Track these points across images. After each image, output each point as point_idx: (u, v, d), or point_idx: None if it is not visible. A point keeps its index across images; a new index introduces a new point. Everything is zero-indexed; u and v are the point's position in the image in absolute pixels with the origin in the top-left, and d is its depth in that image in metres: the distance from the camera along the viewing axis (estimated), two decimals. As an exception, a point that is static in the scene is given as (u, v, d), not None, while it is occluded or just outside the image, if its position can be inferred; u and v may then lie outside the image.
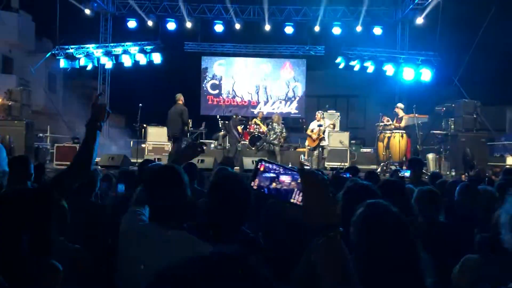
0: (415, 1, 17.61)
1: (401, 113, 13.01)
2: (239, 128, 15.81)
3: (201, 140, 17.39)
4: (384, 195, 2.66)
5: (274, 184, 1.44)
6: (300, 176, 1.39)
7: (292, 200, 1.41)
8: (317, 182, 1.36)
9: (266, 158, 1.48)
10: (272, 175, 1.44)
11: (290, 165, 1.48)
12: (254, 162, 1.48)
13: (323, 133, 13.45)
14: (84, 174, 2.48)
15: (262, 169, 1.45)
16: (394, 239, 1.86)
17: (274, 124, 14.71)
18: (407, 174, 5.34)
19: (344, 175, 5.57)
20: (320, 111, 14.10)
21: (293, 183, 1.42)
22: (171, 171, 2.41)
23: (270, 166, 1.45)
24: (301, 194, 1.39)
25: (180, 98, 12.96)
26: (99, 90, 19.80)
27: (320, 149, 13.54)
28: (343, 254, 1.32)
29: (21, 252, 1.78)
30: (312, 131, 13.64)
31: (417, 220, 3.44)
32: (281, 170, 1.44)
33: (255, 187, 1.44)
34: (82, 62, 18.17)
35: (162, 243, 2.21)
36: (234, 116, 16.08)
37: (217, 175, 2.67)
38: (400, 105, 13.44)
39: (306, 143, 14.28)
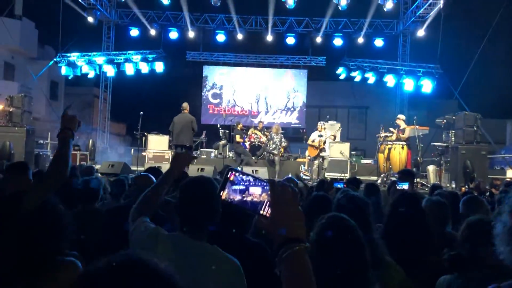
0: (417, 14, 17.68)
1: (402, 124, 13.00)
2: (237, 137, 15.81)
3: (200, 149, 17.40)
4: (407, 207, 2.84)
5: (243, 196, 1.40)
6: (270, 187, 1.36)
7: (261, 212, 1.36)
8: (287, 194, 1.34)
9: (236, 167, 1.43)
10: (241, 187, 1.40)
11: (274, 179, 1.43)
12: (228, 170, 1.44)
13: (324, 143, 13.44)
14: (60, 181, 2.51)
15: (231, 178, 1.41)
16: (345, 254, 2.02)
17: (273, 134, 14.70)
18: (406, 186, 5.31)
19: (339, 185, 5.60)
20: (322, 122, 14.10)
21: (264, 194, 1.38)
22: (211, 184, 2.43)
23: (240, 176, 1.40)
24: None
25: (187, 107, 13.05)
26: (101, 97, 19.84)
27: (321, 159, 13.53)
28: (307, 267, 1.31)
29: None
30: (313, 141, 13.63)
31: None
32: (252, 181, 1.41)
33: (223, 197, 1.40)
34: (84, 69, 18.23)
35: (198, 255, 2.24)
36: (236, 125, 16.12)
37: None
38: (401, 116, 13.43)
39: (307, 153, 14.26)
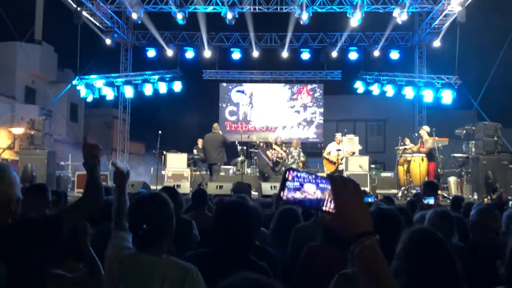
0: (432, 25, 17.62)
1: (425, 136, 12.90)
2: (269, 153, 15.81)
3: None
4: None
5: (299, 193, 1.39)
6: (331, 181, 1.33)
7: (324, 208, 1.34)
8: (349, 187, 1.31)
9: (294, 167, 1.44)
10: (296, 184, 1.39)
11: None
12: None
13: (342, 159, 13.32)
14: (95, 206, 2.63)
15: (289, 178, 1.39)
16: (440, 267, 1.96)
17: (292, 148, 14.70)
18: (432, 201, 5.24)
19: (369, 199, 5.51)
20: (339, 134, 13.99)
21: (318, 191, 1.36)
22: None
23: (298, 174, 1.38)
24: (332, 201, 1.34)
25: (217, 128, 13.82)
26: (120, 118, 20.07)
27: (338, 173, 13.42)
28: (381, 261, 1.27)
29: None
30: (329, 153, 13.54)
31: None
32: (309, 178, 1.40)
33: (284, 198, 1.40)
34: (104, 91, 18.46)
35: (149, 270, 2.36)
36: (262, 144, 16.20)
37: (219, 205, 2.73)
38: (426, 127, 13.28)
39: (325, 168, 14.20)
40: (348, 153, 13.54)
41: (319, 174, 1.41)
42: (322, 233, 3.40)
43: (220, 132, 14.17)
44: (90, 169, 2.67)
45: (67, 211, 2.56)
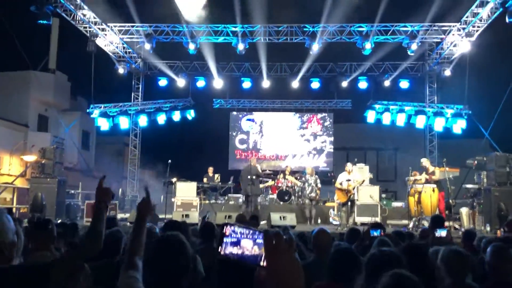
0: (442, 55, 17.67)
1: (430, 167, 12.79)
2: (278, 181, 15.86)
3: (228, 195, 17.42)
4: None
5: (236, 249, 1.39)
6: (264, 238, 1.33)
7: (261, 263, 1.34)
8: (281, 244, 1.31)
9: (233, 222, 1.43)
10: (233, 239, 1.39)
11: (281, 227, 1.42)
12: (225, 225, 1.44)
13: (353, 189, 13.19)
14: (92, 253, 2.59)
15: (227, 233, 1.41)
16: None
17: (308, 176, 14.63)
18: (444, 233, 5.13)
19: (375, 232, 5.38)
20: (349, 164, 13.87)
21: (255, 247, 1.36)
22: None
23: (235, 229, 1.39)
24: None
25: (252, 160, 14.60)
26: (131, 145, 20.19)
27: (349, 203, 13.29)
28: None
29: None
30: (341, 184, 13.42)
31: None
32: (245, 233, 1.40)
33: (222, 253, 1.39)
34: (119, 120, 18.63)
35: None
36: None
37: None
38: (424, 160, 13.24)
39: (336, 197, 14.07)
40: (358, 183, 13.38)
41: (256, 230, 1.40)
42: (328, 272, 3.33)
43: (255, 164, 14.47)
44: (95, 214, 2.64)
45: (64, 257, 2.54)
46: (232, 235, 1.39)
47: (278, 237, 1.32)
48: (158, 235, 5.05)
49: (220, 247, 1.38)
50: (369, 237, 5.21)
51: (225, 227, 1.40)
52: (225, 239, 1.39)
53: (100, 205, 2.65)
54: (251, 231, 1.39)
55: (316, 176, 14.73)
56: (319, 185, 14.72)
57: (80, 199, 15.97)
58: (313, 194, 14.40)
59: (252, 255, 1.36)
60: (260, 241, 1.36)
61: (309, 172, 14.80)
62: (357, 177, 13.44)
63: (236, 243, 1.38)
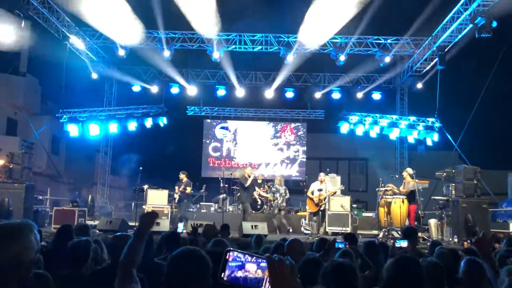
0: (413, 68, 18.02)
1: (408, 178, 12.95)
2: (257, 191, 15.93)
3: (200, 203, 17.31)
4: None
5: (240, 273, 1.43)
6: (267, 263, 1.39)
7: (264, 287, 1.40)
8: (285, 268, 1.37)
9: (232, 248, 1.47)
10: (238, 263, 1.44)
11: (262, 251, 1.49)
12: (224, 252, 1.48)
13: (324, 199, 13.29)
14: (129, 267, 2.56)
15: (230, 259, 1.45)
16: None
17: (277, 185, 14.69)
18: (404, 244, 5.18)
19: (340, 244, 5.41)
20: (322, 173, 13.97)
21: (259, 271, 1.42)
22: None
23: (238, 255, 1.46)
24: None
25: (247, 169, 15.23)
26: (101, 151, 19.89)
27: (320, 213, 13.38)
28: None
29: None
30: (312, 193, 13.49)
31: None
32: (248, 258, 1.44)
33: (225, 278, 1.43)
34: (89, 126, 18.20)
35: None
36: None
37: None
38: (409, 170, 13.30)
39: (307, 207, 14.14)
40: (330, 193, 13.51)
41: (256, 255, 1.46)
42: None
43: (245, 173, 14.79)
44: (137, 234, 2.64)
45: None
46: (237, 259, 1.46)
47: (281, 263, 1.39)
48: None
49: (222, 273, 1.44)
50: (333, 248, 5.26)
51: (228, 253, 1.47)
52: (229, 264, 1.45)
53: (141, 228, 2.67)
54: (254, 257, 1.47)
55: (285, 187, 14.81)
56: (287, 196, 14.83)
57: (48, 205, 15.63)
58: (284, 204, 14.48)
59: (255, 278, 1.43)
60: (264, 264, 1.43)
61: (278, 182, 14.87)
62: (329, 187, 13.56)
63: (241, 267, 1.45)
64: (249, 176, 14.63)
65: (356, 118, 19.42)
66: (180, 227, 10.42)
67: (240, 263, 1.44)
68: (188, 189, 14.60)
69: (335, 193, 13.92)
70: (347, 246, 5.29)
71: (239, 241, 10.07)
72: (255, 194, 15.70)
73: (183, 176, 14.75)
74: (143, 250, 2.60)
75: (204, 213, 16.48)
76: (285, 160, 21.84)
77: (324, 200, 13.33)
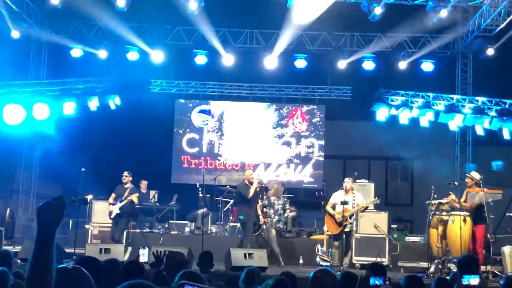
0: (482, 27, 17.91)
1: (473, 187, 12.97)
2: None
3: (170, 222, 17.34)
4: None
5: None
6: None
7: None
8: None
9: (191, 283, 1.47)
10: None
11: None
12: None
13: (351, 217, 13.28)
14: None
15: None
16: None
17: (272, 197, 14.75)
18: (475, 281, 5.22)
19: (378, 280, 5.43)
20: (349, 179, 13.95)
21: None
22: None
23: None
24: None
25: (247, 171, 15.62)
26: (25, 146, 19.82)
27: (345, 236, 13.37)
28: None
29: None
30: (333, 208, 13.49)
31: None
32: None
33: None
34: (6, 109, 18.01)
35: None
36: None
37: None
38: (474, 174, 13.32)
39: (325, 227, 14.15)
40: (359, 207, 13.49)
41: None
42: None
43: (246, 178, 14.94)
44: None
45: None
46: None
47: None
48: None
49: None
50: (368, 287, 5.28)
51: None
52: None
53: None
54: None
55: (286, 200, 14.87)
56: (290, 213, 14.89)
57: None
58: (280, 225, 14.53)
59: None
60: None
61: (272, 192, 14.94)
62: (358, 199, 13.53)
63: None
64: (251, 183, 14.58)
65: (399, 99, 19.41)
66: (144, 254, 10.43)
67: None
68: (134, 197, 14.59)
69: (366, 208, 13.89)
70: (387, 282, 5.32)
71: (227, 276, 10.09)
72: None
73: (127, 179, 14.75)
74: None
75: (176, 236, 16.50)
76: (293, 160, 21.85)
77: (351, 218, 13.33)
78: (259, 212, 15.10)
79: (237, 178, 20.36)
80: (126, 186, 14.82)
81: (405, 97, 19.44)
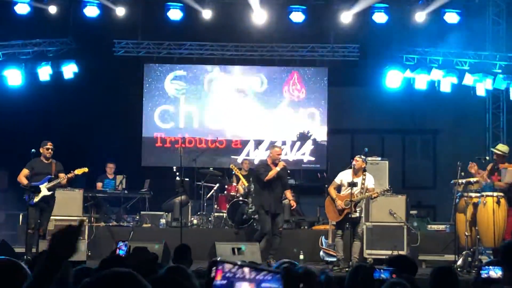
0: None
1: (501, 161, 13.05)
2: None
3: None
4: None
5: None
6: (285, 281, 1.44)
7: None
8: None
9: (223, 258, 1.51)
10: (223, 281, 1.48)
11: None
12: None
13: (356, 205, 13.24)
14: None
15: (218, 278, 1.54)
16: None
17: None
18: (496, 273, 5.27)
19: (383, 274, 5.48)
20: (360, 156, 13.90)
21: None
22: None
23: (232, 270, 1.50)
24: None
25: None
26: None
27: (350, 224, 13.39)
28: None
29: None
30: (339, 190, 13.54)
31: None
32: (246, 274, 1.47)
33: None
34: None
35: None
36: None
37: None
38: (501, 147, 13.41)
39: (327, 215, 14.25)
40: (371, 193, 13.50)
41: (268, 269, 1.50)
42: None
43: (272, 155, 14.93)
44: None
45: None
46: (227, 276, 1.55)
47: (309, 279, 1.44)
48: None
49: None
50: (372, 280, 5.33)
51: (215, 267, 1.59)
52: (215, 283, 1.56)
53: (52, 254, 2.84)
54: (254, 272, 1.56)
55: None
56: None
57: None
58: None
59: None
60: (267, 285, 1.45)
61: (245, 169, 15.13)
62: (369, 182, 13.52)
63: (227, 286, 1.54)
64: (276, 164, 14.54)
65: (415, 57, 19.36)
66: (122, 247, 10.46)
67: (226, 280, 1.49)
68: (65, 177, 14.24)
69: (376, 196, 13.84)
70: (395, 276, 5.36)
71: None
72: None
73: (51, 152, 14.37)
74: None
75: (149, 230, 16.56)
76: (290, 135, 21.84)
77: (356, 207, 13.28)
78: (290, 197, 15.09)
79: (222, 157, 20.43)
80: (48, 161, 14.30)
81: (423, 55, 19.41)
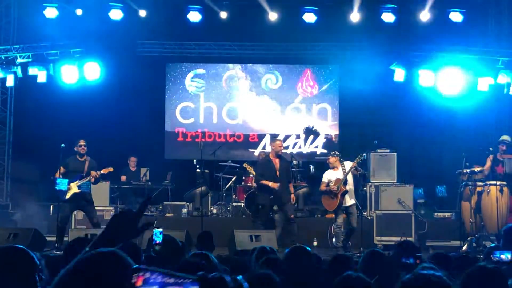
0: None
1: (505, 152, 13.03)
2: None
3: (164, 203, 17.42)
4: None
5: None
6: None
7: None
8: None
9: (146, 266, 1.48)
10: None
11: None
12: None
13: (344, 184, 13.44)
14: None
15: (140, 283, 1.50)
16: None
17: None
18: (507, 256, 5.27)
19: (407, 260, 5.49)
20: (332, 155, 14.23)
21: None
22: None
23: (152, 277, 1.51)
24: None
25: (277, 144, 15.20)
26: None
27: (345, 214, 13.62)
28: None
29: None
30: (327, 186, 13.76)
31: None
32: (168, 281, 1.47)
33: None
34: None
35: None
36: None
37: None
38: (506, 137, 13.38)
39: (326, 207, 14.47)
40: (349, 169, 13.63)
41: (182, 274, 1.47)
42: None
43: (273, 148, 15.20)
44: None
45: None
46: (150, 282, 1.50)
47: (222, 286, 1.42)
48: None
49: None
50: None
51: (136, 274, 1.53)
52: None
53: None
54: (176, 279, 1.51)
55: (296, 173, 15.05)
56: (301, 187, 15.07)
57: None
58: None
59: None
60: None
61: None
62: (347, 165, 13.76)
63: None
64: (279, 155, 14.87)
65: (423, 54, 19.27)
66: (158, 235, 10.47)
67: None
68: (96, 175, 14.21)
69: (355, 167, 14.00)
70: (418, 262, 5.33)
71: (231, 261, 10.14)
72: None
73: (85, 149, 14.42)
74: None
75: (171, 219, 16.61)
76: (304, 129, 21.80)
77: (345, 185, 13.52)
78: (291, 190, 15.14)
79: (239, 153, 20.47)
80: (82, 158, 14.32)
81: (428, 52, 19.31)
